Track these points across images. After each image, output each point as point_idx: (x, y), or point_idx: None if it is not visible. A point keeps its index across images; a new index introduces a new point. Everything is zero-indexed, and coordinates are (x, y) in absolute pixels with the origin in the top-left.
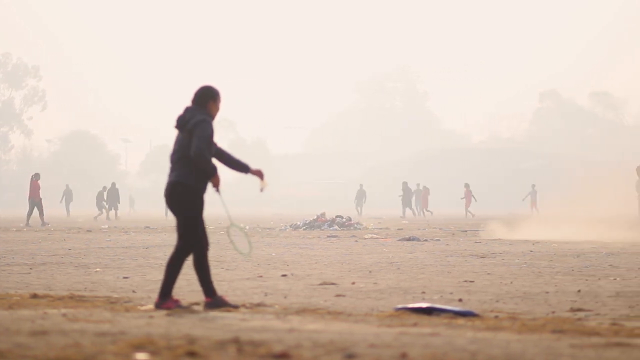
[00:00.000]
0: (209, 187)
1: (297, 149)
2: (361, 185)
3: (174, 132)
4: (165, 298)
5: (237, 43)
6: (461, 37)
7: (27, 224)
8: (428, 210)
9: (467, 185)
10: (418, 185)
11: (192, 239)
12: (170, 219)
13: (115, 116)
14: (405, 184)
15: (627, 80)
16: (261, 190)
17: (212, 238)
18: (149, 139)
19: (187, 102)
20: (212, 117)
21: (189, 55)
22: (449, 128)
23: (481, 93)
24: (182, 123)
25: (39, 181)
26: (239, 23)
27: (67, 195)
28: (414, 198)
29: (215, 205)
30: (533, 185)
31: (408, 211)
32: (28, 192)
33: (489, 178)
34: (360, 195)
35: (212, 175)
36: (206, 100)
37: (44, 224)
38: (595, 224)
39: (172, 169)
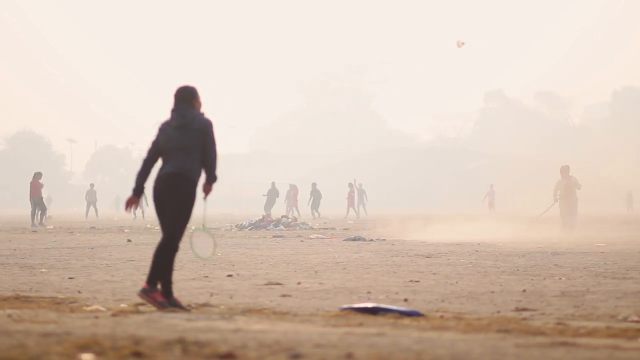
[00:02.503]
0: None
1: (242, 148)
2: (314, 185)
3: (120, 133)
4: (153, 288)
5: (181, 43)
6: (407, 37)
7: (33, 224)
8: (295, 210)
9: (350, 185)
10: (353, 183)
11: (182, 232)
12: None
13: (60, 117)
14: (351, 184)
15: (573, 80)
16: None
17: (157, 239)
18: (95, 139)
19: (131, 102)
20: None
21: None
22: (395, 128)
23: (427, 93)
24: (185, 122)
25: (40, 180)
26: (184, 23)
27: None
28: (356, 197)
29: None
30: (491, 185)
31: (353, 211)
32: (29, 192)
33: (435, 177)
34: (317, 196)
35: (212, 182)
36: (191, 99)
37: (42, 223)
38: (504, 222)
39: (167, 161)
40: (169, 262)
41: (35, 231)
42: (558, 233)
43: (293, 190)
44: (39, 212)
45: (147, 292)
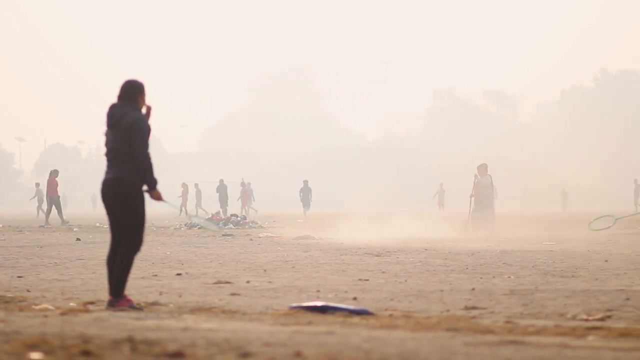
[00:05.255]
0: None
1: (192, 147)
2: (306, 182)
3: (69, 132)
4: (119, 297)
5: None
6: (356, 36)
7: (47, 223)
8: (252, 208)
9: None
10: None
11: (140, 236)
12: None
13: (9, 115)
14: (306, 182)
15: (521, 79)
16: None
17: (106, 237)
18: (44, 137)
19: (79, 100)
20: (141, 110)
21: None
22: (344, 127)
23: (376, 92)
24: (114, 121)
25: (57, 178)
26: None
27: None
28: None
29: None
30: (441, 184)
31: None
32: (46, 190)
33: (384, 176)
34: (307, 192)
35: (153, 188)
36: (135, 95)
37: (63, 222)
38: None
39: (110, 167)
40: (129, 266)
41: (44, 230)
42: (473, 232)
43: (245, 188)
44: (56, 211)
45: (114, 304)
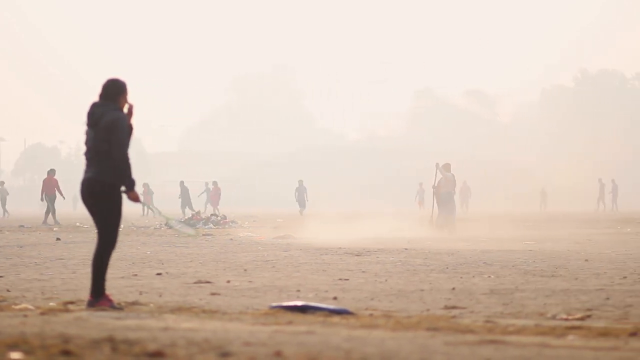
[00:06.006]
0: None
1: (172, 147)
2: (301, 182)
3: (50, 131)
4: (100, 297)
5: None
6: (336, 36)
7: (56, 222)
8: (217, 209)
9: (214, 184)
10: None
11: (114, 234)
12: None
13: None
14: (301, 182)
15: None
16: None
17: (86, 237)
18: (24, 137)
19: (54, 98)
20: (122, 110)
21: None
22: (326, 127)
23: (357, 91)
24: (95, 120)
25: (55, 177)
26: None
27: None
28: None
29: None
30: (420, 184)
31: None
32: (41, 189)
33: (365, 176)
34: (302, 191)
35: (131, 189)
36: (116, 94)
37: (56, 222)
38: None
39: (89, 166)
40: (105, 264)
41: (52, 229)
42: (436, 231)
43: (214, 188)
44: (51, 210)
45: (94, 304)
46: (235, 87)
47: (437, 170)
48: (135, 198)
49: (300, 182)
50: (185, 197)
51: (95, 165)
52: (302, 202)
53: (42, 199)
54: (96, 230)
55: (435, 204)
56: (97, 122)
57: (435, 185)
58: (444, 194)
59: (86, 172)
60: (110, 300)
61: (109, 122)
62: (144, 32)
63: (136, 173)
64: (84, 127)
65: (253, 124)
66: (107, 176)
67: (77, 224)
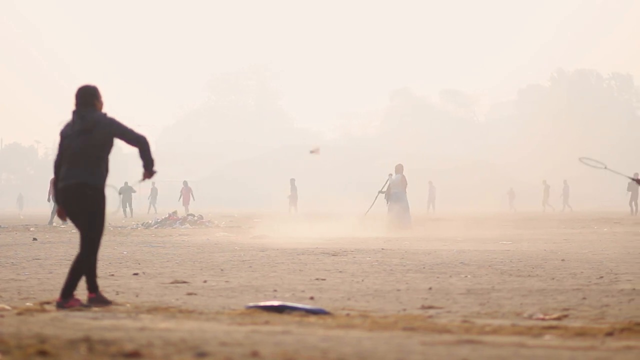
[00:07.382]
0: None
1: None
2: (292, 181)
3: (26, 133)
4: (68, 298)
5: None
6: (313, 36)
7: (50, 222)
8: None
9: (185, 183)
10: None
11: (99, 239)
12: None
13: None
14: (292, 180)
15: (478, 78)
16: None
17: (63, 237)
18: (0, 137)
19: (37, 100)
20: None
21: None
22: (302, 126)
23: (333, 91)
24: (86, 126)
25: None
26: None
27: None
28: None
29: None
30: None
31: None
32: (48, 190)
33: (341, 176)
34: (294, 191)
35: (153, 166)
36: (93, 99)
37: (51, 222)
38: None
39: (70, 171)
40: (92, 266)
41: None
42: (391, 231)
43: (186, 188)
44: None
45: (63, 305)
46: (212, 87)
47: (389, 177)
48: (150, 176)
49: (292, 180)
50: (153, 197)
51: (81, 169)
52: (293, 201)
53: (48, 200)
54: (80, 235)
55: (388, 207)
56: (91, 129)
57: (385, 190)
58: (394, 194)
59: (67, 177)
60: (77, 300)
61: (108, 127)
62: (121, 32)
63: (113, 173)
64: (66, 133)
65: (230, 123)
66: (99, 181)
67: (54, 224)
